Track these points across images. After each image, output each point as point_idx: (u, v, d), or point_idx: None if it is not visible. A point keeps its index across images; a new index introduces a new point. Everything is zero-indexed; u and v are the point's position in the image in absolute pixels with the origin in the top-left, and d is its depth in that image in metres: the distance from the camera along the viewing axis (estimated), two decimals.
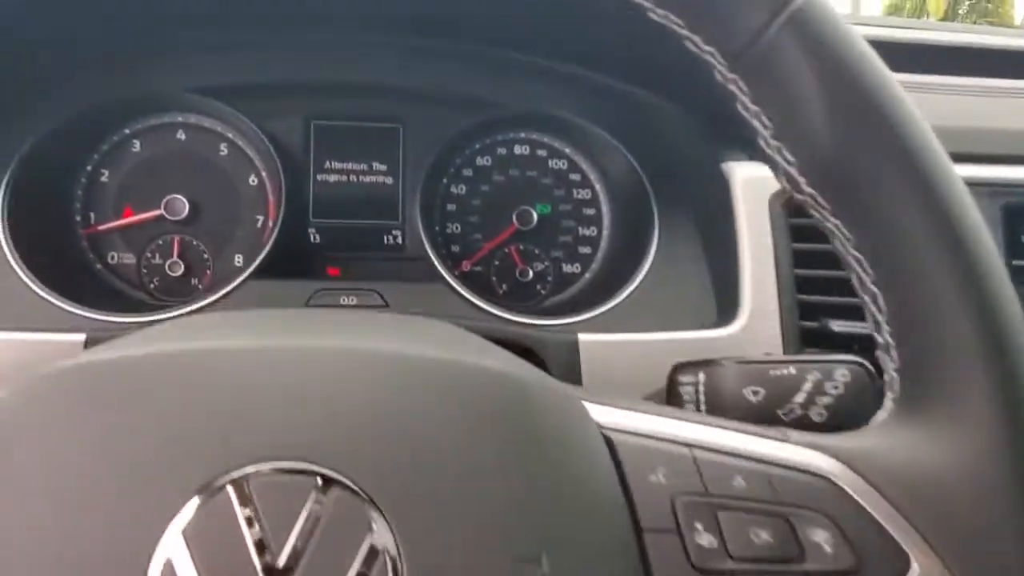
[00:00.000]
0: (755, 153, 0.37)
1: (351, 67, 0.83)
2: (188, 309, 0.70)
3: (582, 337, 0.71)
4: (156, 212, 0.81)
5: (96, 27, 0.72)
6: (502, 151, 0.89)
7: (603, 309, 0.75)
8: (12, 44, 0.67)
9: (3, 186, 0.71)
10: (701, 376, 0.57)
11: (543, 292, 0.88)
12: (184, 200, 0.81)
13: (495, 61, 0.84)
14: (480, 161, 0.89)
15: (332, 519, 0.29)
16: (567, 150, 0.89)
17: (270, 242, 0.77)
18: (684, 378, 0.58)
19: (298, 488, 0.29)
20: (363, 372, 0.33)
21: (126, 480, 0.30)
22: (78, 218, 0.81)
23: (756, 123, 0.37)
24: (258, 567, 0.28)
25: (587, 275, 0.89)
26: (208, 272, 0.83)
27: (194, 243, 0.83)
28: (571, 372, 0.70)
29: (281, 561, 0.29)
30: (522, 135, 0.89)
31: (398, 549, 0.29)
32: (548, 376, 0.37)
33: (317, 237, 0.86)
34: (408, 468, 0.31)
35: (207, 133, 0.84)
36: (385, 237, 0.86)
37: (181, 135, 0.84)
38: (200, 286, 0.83)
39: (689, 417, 0.37)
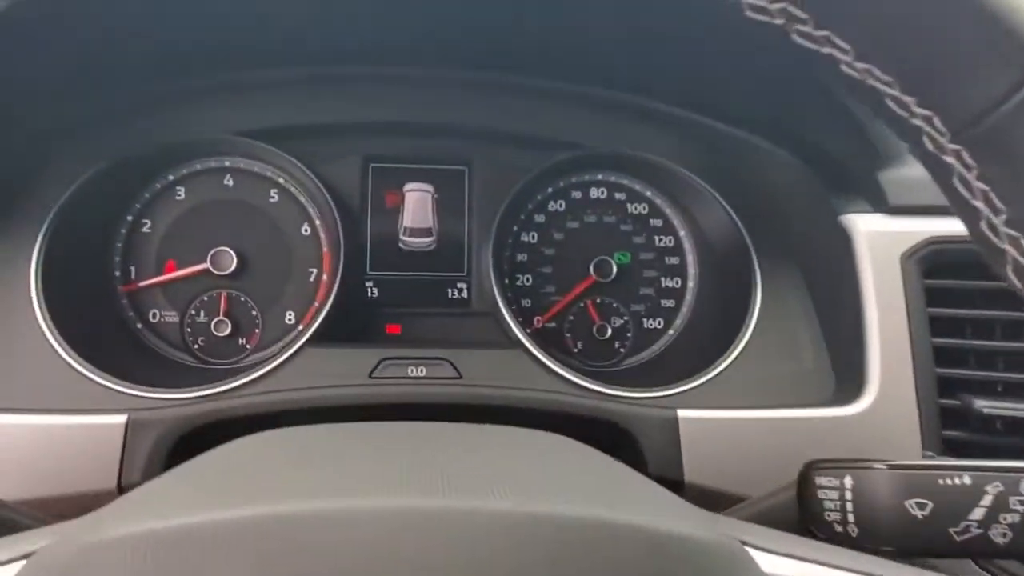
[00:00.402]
0: (971, 237, 0.29)
1: (413, 105, 0.76)
2: (242, 381, 0.62)
3: (681, 414, 0.62)
4: (201, 266, 0.74)
5: (137, 68, 0.65)
6: (577, 195, 0.81)
7: (702, 380, 0.66)
8: (49, 85, 0.61)
9: (39, 241, 0.64)
10: (848, 481, 0.48)
11: (622, 350, 0.79)
12: (231, 252, 0.74)
13: (571, 96, 0.76)
14: (553, 206, 0.80)
15: None
16: (648, 193, 0.81)
17: (329, 300, 0.69)
18: (825, 481, 0.49)
19: None
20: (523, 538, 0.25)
21: None
22: (117, 273, 0.74)
23: (978, 203, 0.29)
24: None
25: (670, 331, 0.80)
26: (257, 331, 0.75)
27: (241, 299, 0.75)
28: (670, 454, 0.61)
29: None
30: (599, 177, 0.81)
31: None
32: (711, 521, 0.30)
33: (375, 291, 0.78)
34: None
35: (256, 178, 0.77)
36: (450, 291, 0.78)
37: (228, 181, 0.76)
38: (248, 346, 0.75)
39: (864, 567, 0.30)
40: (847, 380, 0.63)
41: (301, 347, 0.66)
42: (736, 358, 0.67)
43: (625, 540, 0.27)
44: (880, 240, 0.62)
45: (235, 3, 0.55)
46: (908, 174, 0.62)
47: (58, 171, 0.67)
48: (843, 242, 0.64)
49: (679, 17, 0.33)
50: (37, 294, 0.63)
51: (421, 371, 0.65)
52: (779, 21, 0.29)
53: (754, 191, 0.72)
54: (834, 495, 0.48)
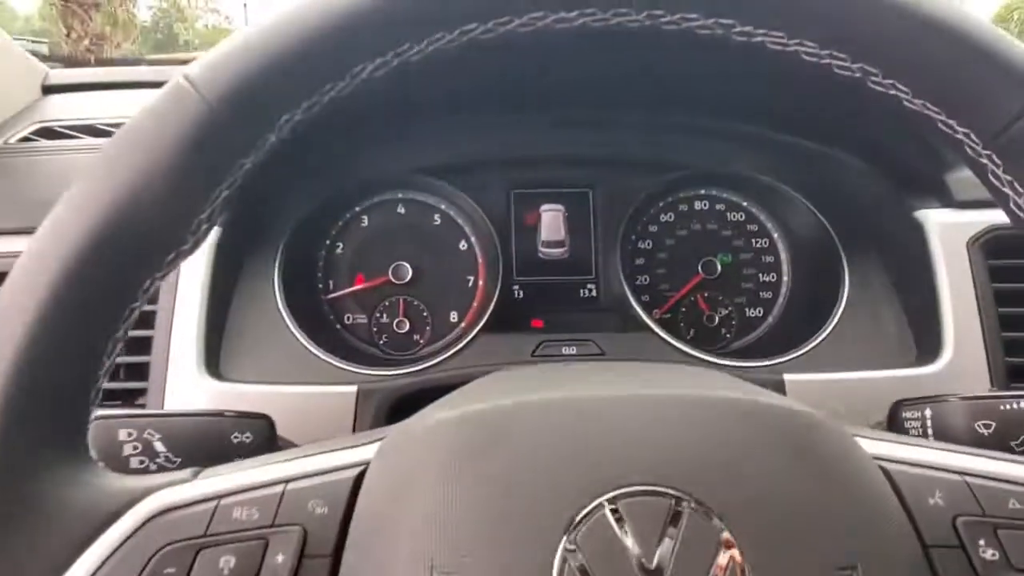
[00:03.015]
0: (1010, 221, 0.43)
1: (548, 142, 0.94)
2: (435, 362, 0.81)
3: (787, 377, 0.77)
4: (384, 278, 0.93)
5: (350, 120, 0.85)
6: (684, 207, 0.97)
7: (803, 351, 0.80)
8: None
9: (278, 258, 0.84)
10: (928, 412, 0.61)
11: (728, 336, 0.94)
12: (407, 265, 0.93)
13: (676, 125, 0.93)
14: (664, 217, 0.97)
15: (690, 531, 0.36)
16: (744, 203, 0.96)
17: (493, 300, 0.87)
18: (909, 414, 0.63)
19: (659, 507, 0.37)
20: (699, 414, 0.41)
21: (524, 501, 0.38)
22: (320, 286, 0.94)
23: (1007, 190, 0.43)
24: (635, 567, 0.36)
25: (769, 319, 0.94)
26: (428, 328, 0.94)
27: (415, 303, 0.94)
28: None
29: (653, 564, 0.36)
30: (702, 192, 0.96)
31: (743, 557, 0.36)
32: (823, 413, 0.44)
33: (520, 293, 0.95)
34: (745, 491, 0.38)
35: (423, 206, 0.96)
36: (581, 291, 0.95)
37: (401, 209, 0.96)
38: (421, 341, 0.94)
39: (954, 448, 0.43)
40: (926, 346, 0.76)
41: (475, 336, 0.84)
42: (830, 334, 0.81)
43: (781, 418, 0.42)
44: (949, 230, 0.76)
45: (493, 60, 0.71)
46: (969, 175, 0.75)
47: (292, 203, 0.87)
48: (917, 233, 0.77)
49: (782, 69, 0.46)
50: (280, 298, 0.82)
51: (572, 350, 0.82)
52: (858, 75, 0.45)
53: (838, 195, 0.87)
54: (916, 424, 0.62)
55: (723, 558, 0.37)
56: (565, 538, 0.37)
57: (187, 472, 0.44)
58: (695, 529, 0.37)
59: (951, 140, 0.44)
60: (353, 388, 0.76)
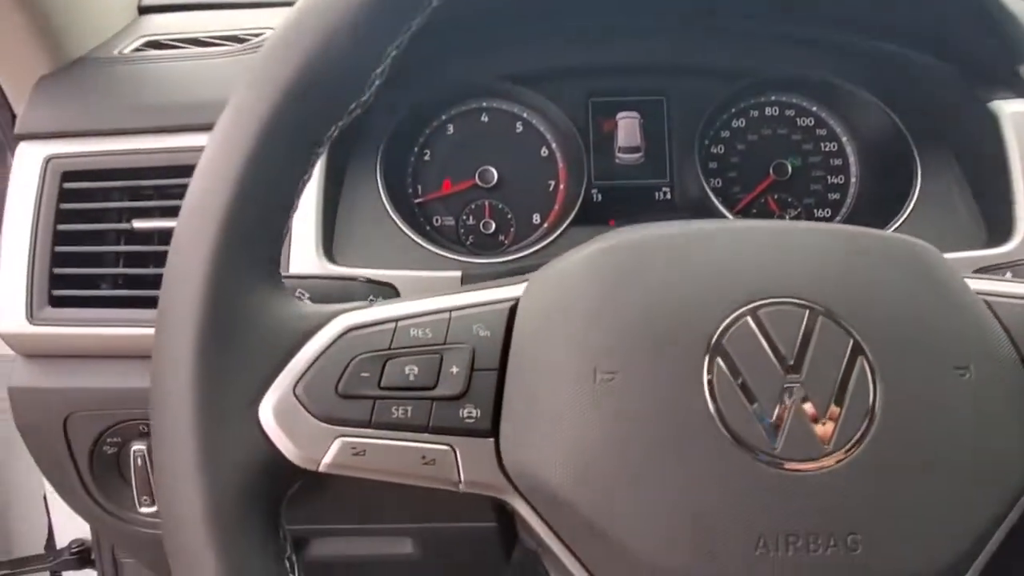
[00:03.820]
0: None
1: (625, 50, 0.98)
2: (531, 251, 0.87)
3: None
4: (471, 181, 0.99)
5: (437, 29, 0.89)
6: (754, 113, 1.01)
7: None
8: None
9: (379, 158, 0.90)
10: (1008, 274, 0.67)
11: None
12: (494, 170, 0.98)
13: (748, 32, 0.96)
14: (735, 124, 1.01)
15: (824, 337, 0.42)
16: (813, 108, 1.00)
17: (575, 203, 0.92)
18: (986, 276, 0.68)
19: (795, 316, 0.43)
20: (829, 241, 0.46)
21: (676, 311, 0.44)
22: (410, 190, 0.99)
23: None
24: (775, 364, 0.42)
25: (837, 218, 0.99)
26: (512, 229, 0.99)
27: (499, 206, 1.00)
28: None
29: (791, 362, 0.42)
30: (772, 98, 1.00)
31: (871, 360, 0.42)
32: None
33: (599, 197, 1.00)
34: (872, 305, 0.43)
35: (505, 115, 1.01)
36: (656, 194, 1.00)
37: (485, 118, 1.01)
38: (506, 241, 0.99)
39: None
40: (997, 229, 0.81)
41: (558, 235, 0.90)
42: (901, 226, 0.86)
43: (903, 245, 0.46)
44: (1022, 118, 0.80)
45: None
46: None
47: (384, 113, 0.92)
48: (991, 123, 0.81)
49: None
50: (385, 196, 0.88)
51: None
52: None
53: (911, 94, 0.90)
54: None
55: (853, 361, 0.43)
56: (713, 341, 0.43)
57: (363, 302, 0.50)
58: (828, 336, 0.43)
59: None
60: (457, 272, 0.82)
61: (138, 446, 0.81)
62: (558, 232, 0.91)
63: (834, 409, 0.41)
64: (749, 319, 0.43)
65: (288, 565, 0.44)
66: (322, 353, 0.44)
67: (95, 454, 0.84)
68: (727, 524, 0.39)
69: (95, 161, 0.82)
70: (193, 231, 0.42)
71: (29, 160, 0.82)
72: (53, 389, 0.82)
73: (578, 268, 0.47)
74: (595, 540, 0.41)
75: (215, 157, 0.43)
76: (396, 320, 0.46)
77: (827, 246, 0.45)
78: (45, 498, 1.42)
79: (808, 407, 0.41)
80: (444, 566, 1.06)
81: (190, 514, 0.41)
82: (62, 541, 1.39)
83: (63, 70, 0.88)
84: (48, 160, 0.82)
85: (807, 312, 0.43)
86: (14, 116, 0.95)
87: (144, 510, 0.81)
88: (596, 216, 0.99)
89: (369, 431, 0.43)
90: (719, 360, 0.42)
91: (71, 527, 1.36)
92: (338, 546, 1.00)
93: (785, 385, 0.41)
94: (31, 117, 0.84)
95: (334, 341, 0.44)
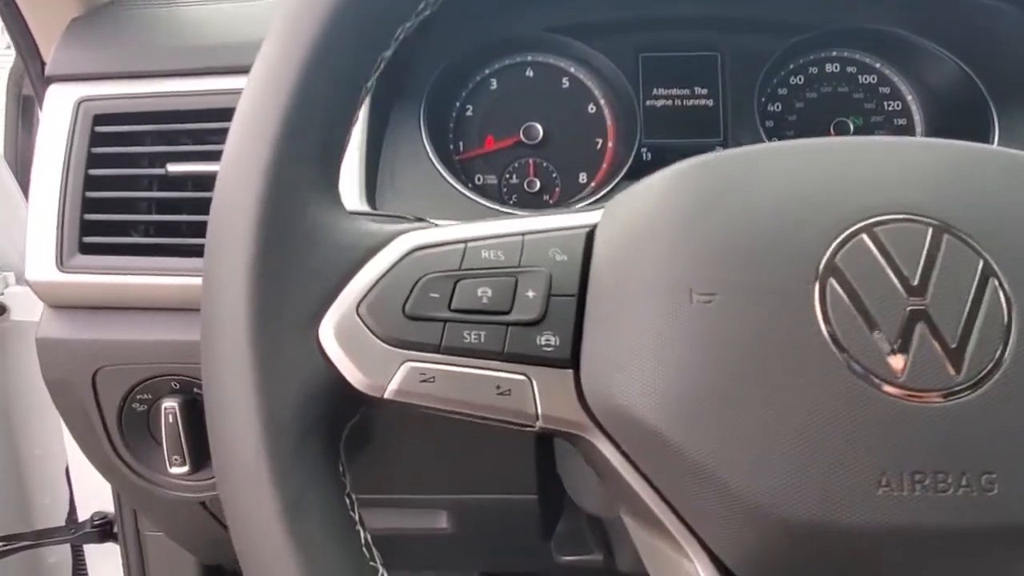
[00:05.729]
0: None
1: (675, 3, 0.93)
2: (581, 206, 0.82)
3: None
4: (515, 138, 0.94)
5: None
6: (813, 70, 0.96)
7: None
8: None
9: (423, 106, 0.86)
10: None
11: None
12: (539, 126, 0.94)
13: None
14: (793, 80, 0.96)
15: (950, 257, 0.38)
16: (877, 65, 0.95)
17: (626, 162, 0.88)
18: None
19: (919, 234, 0.38)
20: (951, 156, 0.42)
21: (781, 227, 0.39)
22: (451, 147, 0.95)
23: None
24: (898, 285, 0.37)
25: None
26: (557, 189, 0.95)
27: (544, 164, 0.95)
28: None
29: (915, 282, 0.37)
30: (833, 53, 0.95)
31: (1001, 279, 0.37)
32: None
33: (648, 155, 0.96)
34: (1003, 224, 0.39)
35: (551, 69, 0.96)
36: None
37: (529, 72, 0.96)
38: (550, 201, 0.95)
39: None
40: None
41: (611, 190, 0.86)
42: None
43: None
44: None
45: None
46: None
47: (426, 64, 0.88)
48: None
49: None
50: (429, 147, 0.84)
51: None
52: None
53: (987, 46, 0.85)
54: None
55: (984, 282, 0.38)
56: (826, 259, 0.39)
57: (428, 222, 0.46)
58: (956, 256, 0.39)
59: None
60: None
61: (169, 403, 0.78)
62: (606, 191, 0.88)
63: (964, 335, 0.36)
64: (865, 236, 0.38)
65: (348, 503, 0.40)
66: (387, 272, 0.41)
67: (124, 411, 0.81)
68: (849, 461, 0.35)
69: (128, 104, 0.78)
70: (246, 146, 0.39)
71: (60, 102, 0.79)
72: (83, 340, 0.78)
73: (667, 185, 0.43)
74: (699, 488, 0.36)
75: (269, 68, 0.40)
76: (466, 241, 0.43)
77: (953, 161, 0.41)
78: (68, 471, 1.40)
79: (935, 332, 0.36)
80: (479, 542, 1.02)
81: (244, 444, 0.37)
82: (84, 516, 1.37)
83: (95, 11, 0.85)
84: (80, 103, 0.78)
85: (930, 229, 0.38)
86: (43, 66, 0.92)
87: (175, 470, 0.77)
88: (645, 175, 0.94)
89: (439, 356, 0.39)
90: (832, 281, 0.37)
91: (94, 502, 1.34)
92: (369, 519, 0.96)
93: (909, 308, 0.37)
94: (62, 58, 0.81)
95: (400, 260, 0.41)
